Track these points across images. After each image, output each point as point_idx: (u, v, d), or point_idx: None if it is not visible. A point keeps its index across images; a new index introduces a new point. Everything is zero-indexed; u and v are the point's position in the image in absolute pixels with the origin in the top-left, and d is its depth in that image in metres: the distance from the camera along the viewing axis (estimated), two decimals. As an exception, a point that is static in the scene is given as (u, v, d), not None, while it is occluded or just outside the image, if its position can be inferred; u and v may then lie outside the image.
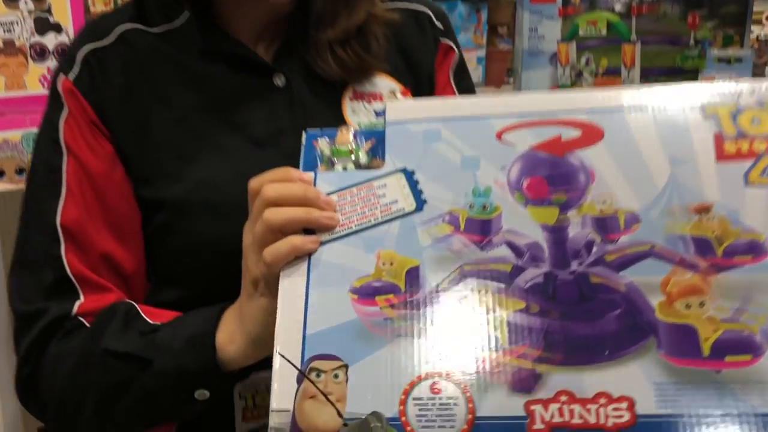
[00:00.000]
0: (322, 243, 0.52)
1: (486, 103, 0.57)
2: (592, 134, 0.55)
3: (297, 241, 0.52)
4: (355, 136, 0.58)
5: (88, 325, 0.63)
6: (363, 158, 0.57)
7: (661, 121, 0.55)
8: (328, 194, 0.54)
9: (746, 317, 0.47)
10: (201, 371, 0.60)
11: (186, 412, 0.62)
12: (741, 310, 0.47)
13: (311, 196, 0.53)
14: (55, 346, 0.62)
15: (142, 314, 0.63)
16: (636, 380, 0.46)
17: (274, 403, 0.48)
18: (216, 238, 0.66)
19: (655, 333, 0.48)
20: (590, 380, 0.47)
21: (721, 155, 0.52)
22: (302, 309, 0.50)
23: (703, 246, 0.50)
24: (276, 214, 0.53)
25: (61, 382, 0.61)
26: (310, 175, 0.55)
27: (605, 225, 0.51)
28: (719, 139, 0.52)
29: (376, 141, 0.58)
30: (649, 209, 0.51)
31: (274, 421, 0.47)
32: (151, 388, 0.60)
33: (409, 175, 0.53)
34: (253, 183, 0.55)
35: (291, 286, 0.52)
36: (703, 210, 0.50)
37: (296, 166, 0.58)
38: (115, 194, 0.67)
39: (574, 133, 0.55)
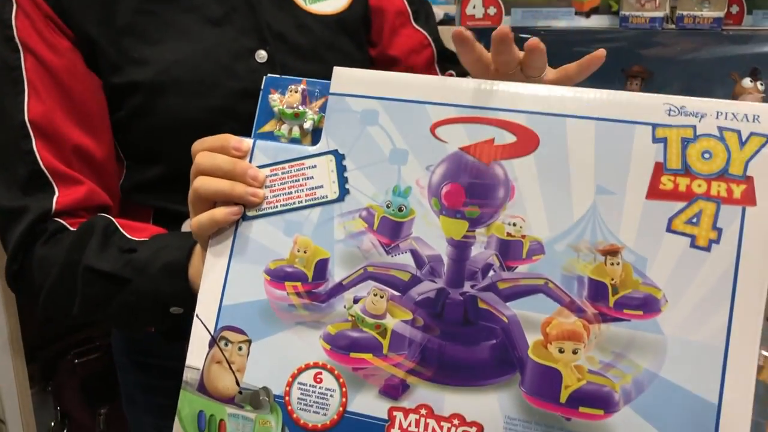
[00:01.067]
0: (249, 218, 0.61)
1: (431, 86, 0.62)
2: (526, 142, 0.59)
3: (219, 215, 0.63)
4: (305, 96, 0.63)
5: (69, 227, 0.75)
6: (308, 124, 0.63)
7: (604, 137, 0.57)
8: (262, 167, 0.61)
9: (613, 373, 0.53)
10: (176, 294, 0.73)
11: (165, 322, 0.78)
12: (610, 366, 0.53)
13: (239, 170, 0.63)
14: (40, 248, 0.74)
15: (121, 230, 0.75)
16: (491, 410, 0.54)
17: (189, 360, 0.60)
18: (190, 113, 0.79)
19: (521, 370, 0.56)
20: (451, 400, 0.56)
21: (653, 191, 0.54)
22: (222, 280, 0.61)
23: (597, 291, 0.55)
24: (204, 185, 0.63)
25: (49, 285, 0.75)
26: (249, 143, 0.64)
27: (508, 250, 0.57)
28: (658, 171, 0.55)
29: (328, 97, 0.65)
30: (556, 241, 0.55)
31: (187, 375, 0.61)
32: (131, 302, 0.75)
33: (339, 160, 0.60)
34: (194, 147, 0.65)
35: (217, 256, 0.64)
36: (610, 253, 0.54)
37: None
38: (79, 86, 0.78)
39: (508, 138, 0.60)
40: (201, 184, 0.63)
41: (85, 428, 1.58)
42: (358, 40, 0.94)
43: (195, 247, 0.71)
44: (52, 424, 1.56)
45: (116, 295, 0.74)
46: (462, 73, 0.99)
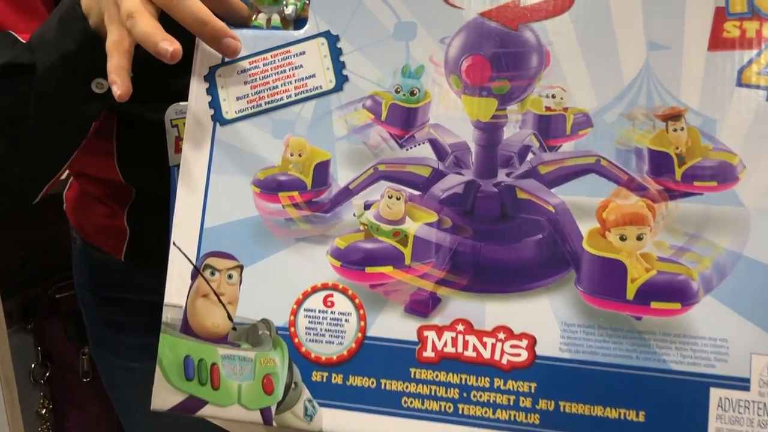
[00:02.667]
0: (227, 121, 0.57)
1: None
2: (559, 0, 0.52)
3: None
4: None
5: None
6: (289, 9, 0.59)
7: None
8: (239, 60, 0.57)
9: (687, 258, 0.50)
10: (83, 48, 0.65)
11: (93, 110, 0.69)
12: (683, 250, 0.49)
13: (209, 31, 0.58)
14: None
15: (13, 33, 0.70)
16: (543, 317, 0.51)
17: (167, 296, 0.56)
18: None
19: (576, 265, 0.54)
20: (492, 311, 0.53)
21: (716, 41, 0.51)
22: (201, 198, 0.57)
23: (660, 163, 0.53)
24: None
25: None
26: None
27: (548, 127, 0.55)
28: (720, 17, 0.52)
29: None
30: (606, 111, 0.53)
31: (166, 315, 0.56)
32: (47, 91, 0.67)
33: (333, 42, 0.56)
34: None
35: (191, 169, 0.60)
36: (672, 117, 0.51)
37: None
38: None
39: None
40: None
41: (68, 369, 1.57)
42: None
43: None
44: (33, 365, 1.56)
45: (28, 92, 0.67)
46: None
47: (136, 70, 0.64)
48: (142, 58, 0.63)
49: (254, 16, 0.62)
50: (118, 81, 0.58)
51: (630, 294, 0.51)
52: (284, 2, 0.61)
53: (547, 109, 0.54)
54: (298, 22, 0.62)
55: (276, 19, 0.62)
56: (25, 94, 0.69)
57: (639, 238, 0.52)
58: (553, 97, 0.54)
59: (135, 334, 0.94)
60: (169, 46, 0.57)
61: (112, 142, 0.83)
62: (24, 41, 0.69)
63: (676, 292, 0.51)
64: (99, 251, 0.94)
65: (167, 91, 0.70)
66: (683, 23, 0.53)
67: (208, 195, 0.59)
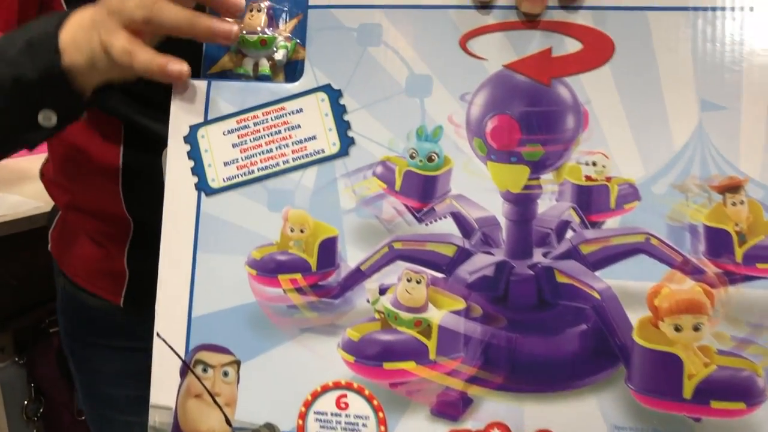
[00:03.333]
0: (214, 191, 0.53)
1: None
2: (597, 49, 0.52)
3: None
4: (271, 16, 0.52)
5: None
6: (280, 54, 0.53)
7: (703, 32, 0.50)
8: (225, 118, 0.53)
9: (752, 351, 0.48)
10: (44, 81, 0.61)
11: (31, 138, 0.67)
12: (747, 342, 0.47)
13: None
14: None
15: None
16: (590, 420, 0.49)
17: (153, 396, 0.52)
18: None
19: (627, 360, 0.51)
20: (533, 413, 0.52)
21: None
22: (188, 281, 0.53)
23: (718, 243, 0.50)
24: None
25: None
26: (201, 86, 0.56)
27: (590, 199, 0.52)
28: None
29: (305, 15, 0.56)
30: (654, 181, 0.51)
31: (153, 419, 0.53)
32: None
33: (335, 98, 0.52)
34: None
35: (174, 248, 0.56)
36: (730, 189, 0.48)
37: None
38: None
39: (571, 46, 0.52)
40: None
41: (63, 406, 1.53)
42: None
43: (69, 18, 0.61)
44: (26, 402, 1.51)
45: None
46: None
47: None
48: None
49: (236, 62, 0.56)
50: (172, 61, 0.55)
51: (687, 392, 0.48)
52: (273, 46, 0.55)
53: (588, 178, 0.51)
54: (290, 65, 0.56)
55: (264, 65, 0.56)
56: None
57: (696, 329, 0.48)
58: (594, 164, 0.51)
59: (134, 385, 0.89)
60: (176, 65, 0.54)
61: (118, 162, 0.78)
62: None
63: (739, 390, 0.48)
64: (92, 296, 0.89)
65: None
66: (741, 79, 0.49)
67: (196, 278, 0.54)
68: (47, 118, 0.63)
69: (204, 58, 0.58)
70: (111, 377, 0.92)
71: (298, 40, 0.56)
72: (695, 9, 0.50)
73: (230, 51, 0.58)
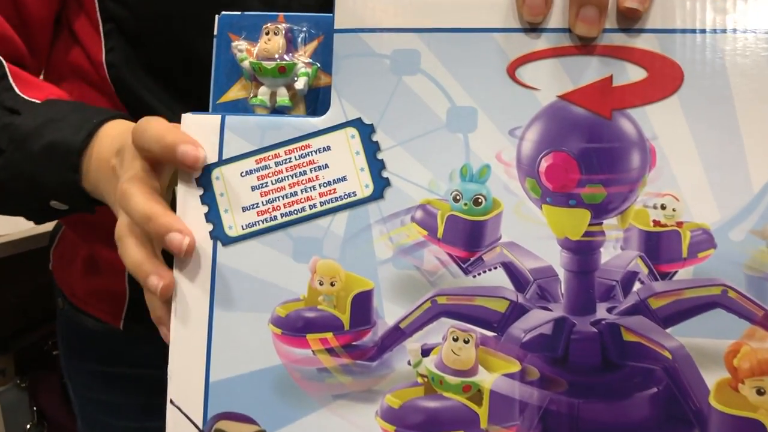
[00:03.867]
0: (231, 240, 0.49)
1: (495, 4, 0.49)
2: (664, 77, 0.48)
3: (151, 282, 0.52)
4: (290, 39, 0.48)
5: None
6: (300, 82, 0.49)
7: None
8: (241, 158, 0.49)
9: None
10: (58, 187, 0.64)
11: (41, 216, 0.70)
12: None
13: (152, 228, 0.51)
14: None
15: (10, 78, 0.68)
16: None
17: None
18: None
19: (703, 427, 0.47)
20: None
21: None
22: (204, 343, 0.50)
23: None
24: (125, 211, 0.53)
25: None
26: (214, 121, 0.51)
27: (659, 247, 0.49)
28: None
29: (326, 36, 0.53)
30: (732, 226, 0.49)
31: None
32: (1, 177, 0.66)
33: (367, 134, 0.49)
34: (134, 135, 0.54)
35: (188, 305, 0.52)
36: None
37: None
38: None
39: (634, 73, 0.48)
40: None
41: (66, 431, 1.53)
42: None
43: (100, 131, 0.61)
44: (28, 426, 1.52)
45: None
46: None
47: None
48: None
49: (252, 91, 0.52)
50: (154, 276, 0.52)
51: (774, 463, 0.45)
52: (293, 73, 0.51)
53: (656, 223, 0.48)
54: (310, 94, 0.52)
55: (283, 95, 0.53)
56: None
57: None
58: (663, 208, 0.48)
59: (134, 416, 0.89)
60: (154, 280, 0.51)
61: None
62: (24, 97, 0.65)
63: (832, 461, 0.45)
64: (92, 319, 0.89)
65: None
66: None
67: (213, 338, 0.51)
68: (59, 204, 0.65)
69: (213, 86, 0.54)
70: (110, 406, 0.91)
71: (319, 65, 0.53)
72: None
73: (243, 77, 0.54)
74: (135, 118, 0.82)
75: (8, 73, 0.69)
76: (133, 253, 0.52)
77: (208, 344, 0.52)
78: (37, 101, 0.67)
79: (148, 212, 0.51)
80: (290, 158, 0.51)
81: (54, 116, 0.64)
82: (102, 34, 0.78)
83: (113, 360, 0.89)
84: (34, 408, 1.52)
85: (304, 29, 0.54)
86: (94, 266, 0.85)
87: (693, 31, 0.47)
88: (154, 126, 0.52)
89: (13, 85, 0.68)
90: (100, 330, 0.88)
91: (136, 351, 0.87)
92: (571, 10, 0.48)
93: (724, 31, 0.47)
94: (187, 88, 0.69)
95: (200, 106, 0.61)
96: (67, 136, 0.62)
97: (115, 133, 0.62)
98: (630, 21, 0.48)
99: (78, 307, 0.90)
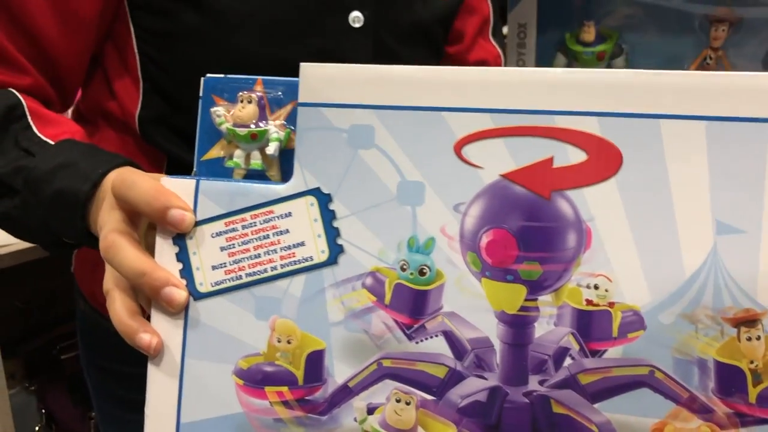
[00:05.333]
0: (201, 296, 0.52)
1: (449, 83, 0.50)
2: (603, 160, 0.47)
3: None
4: (263, 105, 0.50)
5: None
6: (272, 148, 0.51)
7: (721, 146, 0.45)
8: (212, 220, 0.51)
9: None
10: (67, 231, 0.65)
11: (57, 249, 0.71)
12: None
13: (146, 282, 0.52)
14: None
15: (29, 117, 0.70)
16: None
17: None
18: (256, 58, 0.76)
19: None
20: None
21: None
22: (176, 387, 0.52)
23: (730, 380, 0.46)
24: (112, 263, 0.55)
25: None
26: (189, 185, 0.53)
27: (590, 326, 0.48)
28: None
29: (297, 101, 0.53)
30: (662, 309, 0.46)
31: None
32: (15, 215, 0.68)
33: (324, 203, 0.49)
34: (116, 186, 0.55)
35: (162, 353, 0.53)
36: (746, 322, 0.43)
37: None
38: None
39: (574, 156, 0.48)
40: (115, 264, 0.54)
41: None
42: (445, 32, 0.95)
43: (106, 179, 0.62)
44: (37, 428, 1.56)
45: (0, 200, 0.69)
46: None
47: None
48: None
49: (228, 153, 0.54)
50: (144, 334, 0.53)
51: None
52: (265, 139, 0.52)
53: (589, 302, 0.46)
54: (286, 153, 0.53)
55: (256, 158, 0.53)
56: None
57: None
58: (596, 288, 0.46)
59: None
60: (145, 338, 0.53)
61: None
62: (40, 136, 0.68)
63: None
64: (110, 321, 0.90)
65: None
66: (763, 200, 0.44)
67: (184, 383, 0.52)
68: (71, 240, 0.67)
69: (197, 144, 0.56)
70: (126, 403, 0.92)
71: (292, 128, 0.54)
72: (712, 119, 0.45)
73: (223, 138, 0.56)
74: (154, 163, 0.84)
75: (27, 112, 0.69)
76: (119, 309, 0.53)
77: (180, 389, 0.52)
78: (51, 142, 0.68)
79: (142, 267, 0.52)
80: (255, 222, 0.51)
81: (64, 161, 0.65)
82: (141, 93, 0.80)
83: (131, 360, 0.91)
84: (43, 410, 1.53)
85: (280, 93, 0.54)
86: None
87: (634, 115, 0.45)
88: (142, 185, 0.52)
89: (31, 123, 0.69)
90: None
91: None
92: None
93: (664, 116, 0.45)
94: None
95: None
96: (74, 184, 0.62)
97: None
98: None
99: (99, 310, 0.91)
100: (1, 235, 1.18)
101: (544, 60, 1.22)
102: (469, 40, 1.00)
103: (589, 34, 1.16)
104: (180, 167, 0.81)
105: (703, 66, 1.05)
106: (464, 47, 1.00)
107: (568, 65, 1.27)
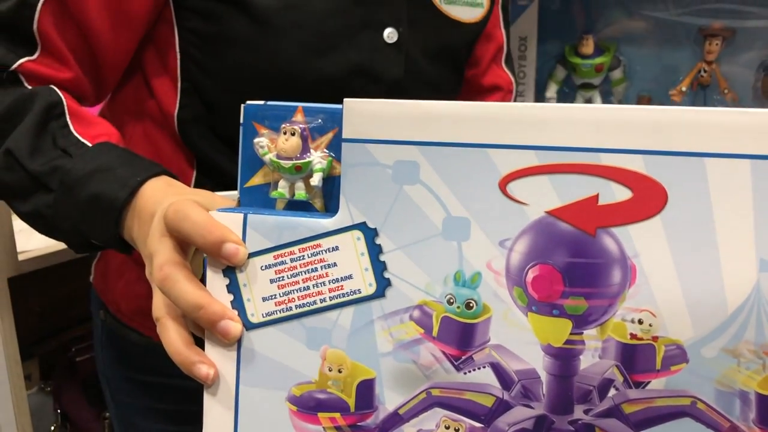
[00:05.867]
0: (254, 326, 0.53)
1: (495, 120, 0.50)
2: (648, 198, 0.48)
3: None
4: (306, 136, 0.51)
5: (26, 84, 0.73)
6: (316, 179, 0.52)
7: (764, 180, 0.45)
8: (261, 253, 0.51)
9: None
10: (100, 235, 0.67)
11: (84, 249, 0.73)
12: None
13: (203, 316, 0.53)
14: None
15: (67, 116, 0.71)
16: None
17: None
18: (295, 67, 0.78)
19: None
20: None
21: None
22: (232, 414, 0.53)
23: None
24: (169, 296, 0.55)
25: None
26: (237, 219, 0.53)
27: (635, 358, 0.48)
28: None
29: (339, 128, 0.54)
30: (705, 343, 0.46)
31: None
32: (47, 213, 0.70)
33: (371, 238, 0.49)
34: (169, 218, 0.55)
35: (218, 381, 0.54)
36: None
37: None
38: None
39: (620, 193, 0.48)
40: (166, 289, 0.54)
41: None
42: (467, 55, 0.98)
43: (143, 188, 0.64)
44: (52, 428, 1.58)
45: (32, 197, 0.70)
46: None
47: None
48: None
49: (273, 183, 0.54)
50: (202, 365, 0.54)
51: None
52: (309, 169, 0.53)
53: (633, 336, 0.47)
54: (329, 181, 0.54)
55: (300, 188, 0.54)
56: (28, 193, 0.70)
57: None
58: (641, 322, 0.47)
59: (169, 420, 0.93)
60: (203, 369, 0.53)
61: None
62: (77, 136, 0.69)
63: None
64: (136, 333, 0.91)
65: None
66: None
67: (239, 410, 0.53)
68: (99, 243, 0.69)
69: (240, 171, 0.56)
70: (143, 411, 0.95)
71: (334, 156, 0.54)
72: (758, 157, 0.46)
73: (265, 167, 0.56)
74: (191, 165, 0.85)
75: (66, 111, 0.70)
76: (175, 339, 0.53)
77: (235, 416, 0.53)
78: (88, 144, 0.69)
79: (199, 301, 0.52)
80: (303, 256, 0.52)
81: (102, 165, 0.65)
82: (179, 92, 0.80)
83: (151, 370, 0.92)
84: (58, 410, 1.54)
85: (321, 120, 0.54)
86: (142, 286, 0.86)
87: (679, 153, 0.46)
88: (197, 218, 0.53)
89: (69, 123, 0.70)
90: (142, 343, 0.91)
91: (171, 363, 0.93)
92: None
93: (709, 155, 0.45)
94: None
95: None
96: (112, 190, 0.63)
97: (157, 186, 0.63)
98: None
99: (122, 321, 0.92)
100: (19, 242, 1.20)
101: (543, 72, 1.24)
102: (485, 65, 1.04)
103: (588, 46, 1.17)
104: (210, 167, 0.82)
105: (697, 79, 1.05)
106: (480, 71, 1.04)
107: (567, 77, 1.28)
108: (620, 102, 1.25)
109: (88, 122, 0.72)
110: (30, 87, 0.72)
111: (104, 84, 0.80)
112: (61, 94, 0.72)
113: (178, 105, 0.81)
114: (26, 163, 0.68)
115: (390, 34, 0.83)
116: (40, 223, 0.72)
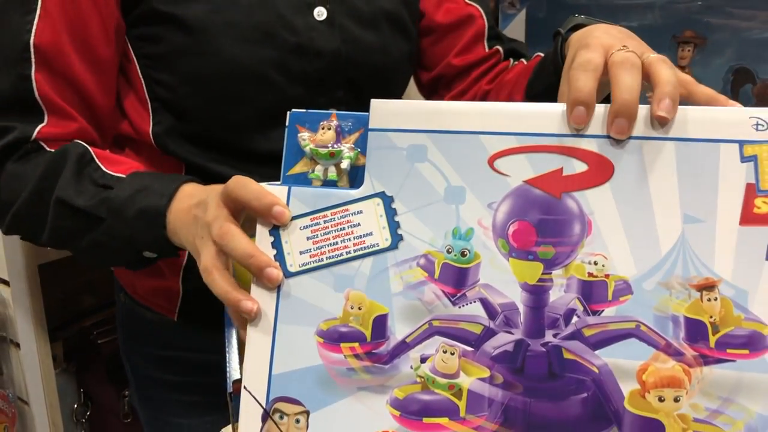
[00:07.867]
0: (292, 275, 0.61)
1: (485, 114, 0.61)
2: (599, 170, 0.58)
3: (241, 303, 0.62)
4: (338, 132, 0.62)
5: (47, 148, 0.78)
6: (345, 163, 0.62)
7: (686, 159, 0.57)
8: (301, 216, 0.61)
9: (722, 421, 0.53)
10: (151, 242, 0.74)
11: (137, 265, 0.79)
12: (718, 412, 0.53)
13: (254, 263, 0.61)
14: (11, 164, 0.78)
15: (96, 160, 0.76)
16: None
17: None
18: (241, 59, 0.82)
19: (619, 424, 0.56)
20: None
21: (747, 216, 0.53)
22: (269, 345, 0.60)
23: (695, 331, 0.55)
24: (226, 246, 0.63)
25: (17, 208, 0.78)
26: (283, 191, 0.63)
27: (591, 292, 0.56)
28: (750, 193, 0.54)
29: (364, 129, 0.64)
30: (644, 279, 0.55)
31: None
32: (102, 241, 0.76)
33: (388, 203, 0.59)
34: (231, 186, 0.63)
35: (260, 319, 0.63)
36: (706, 288, 0.54)
37: None
38: (96, 20, 0.80)
39: (578, 167, 0.59)
40: (223, 242, 0.63)
41: (109, 410, 1.61)
42: (413, 12, 0.98)
43: (177, 192, 0.71)
44: (75, 405, 1.60)
45: (88, 232, 0.76)
46: (508, 50, 1.04)
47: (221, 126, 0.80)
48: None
49: (311, 168, 0.66)
50: (247, 301, 0.62)
51: (669, 452, 0.54)
52: (340, 157, 0.65)
53: (590, 275, 0.57)
54: (353, 170, 0.65)
55: (332, 171, 0.65)
56: (82, 231, 0.76)
57: (676, 400, 0.54)
58: (596, 263, 0.57)
59: (186, 391, 0.98)
60: (247, 304, 0.61)
61: None
62: (112, 173, 0.75)
63: (712, 453, 0.53)
64: (150, 311, 0.97)
65: (255, 152, 0.82)
66: (716, 198, 0.55)
67: (276, 343, 0.62)
68: (150, 254, 0.76)
69: (284, 161, 0.65)
70: (162, 383, 1.00)
71: (359, 150, 0.64)
72: (679, 139, 0.57)
73: (305, 157, 0.68)
74: (175, 171, 0.87)
75: (95, 157, 0.76)
76: (223, 284, 0.62)
77: (272, 347, 0.61)
78: (122, 175, 0.75)
79: (251, 251, 0.61)
80: (334, 218, 0.61)
81: (140, 186, 0.72)
82: (150, 112, 0.86)
83: (167, 345, 0.97)
84: (81, 390, 1.57)
85: (350, 123, 0.65)
86: (155, 269, 0.92)
87: (630, 137, 0.56)
88: (253, 186, 0.61)
89: (101, 165, 0.76)
90: (156, 320, 0.97)
91: (188, 338, 0.94)
92: (608, 118, 0.57)
93: (643, 138, 0.56)
94: (220, 148, 0.82)
95: (233, 162, 0.79)
96: (154, 201, 0.71)
97: (189, 191, 0.71)
98: (660, 126, 0.56)
99: (138, 302, 0.98)
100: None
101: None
102: (432, 5, 1.02)
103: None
104: (197, 172, 0.87)
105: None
106: (428, 15, 1.02)
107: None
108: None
109: (115, 161, 0.78)
110: (52, 150, 0.78)
111: (103, 125, 0.84)
112: (84, 144, 0.77)
113: (151, 123, 0.85)
114: (76, 203, 0.74)
115: (319, 12, 0.86)
116: (98, 252, 0.77)
